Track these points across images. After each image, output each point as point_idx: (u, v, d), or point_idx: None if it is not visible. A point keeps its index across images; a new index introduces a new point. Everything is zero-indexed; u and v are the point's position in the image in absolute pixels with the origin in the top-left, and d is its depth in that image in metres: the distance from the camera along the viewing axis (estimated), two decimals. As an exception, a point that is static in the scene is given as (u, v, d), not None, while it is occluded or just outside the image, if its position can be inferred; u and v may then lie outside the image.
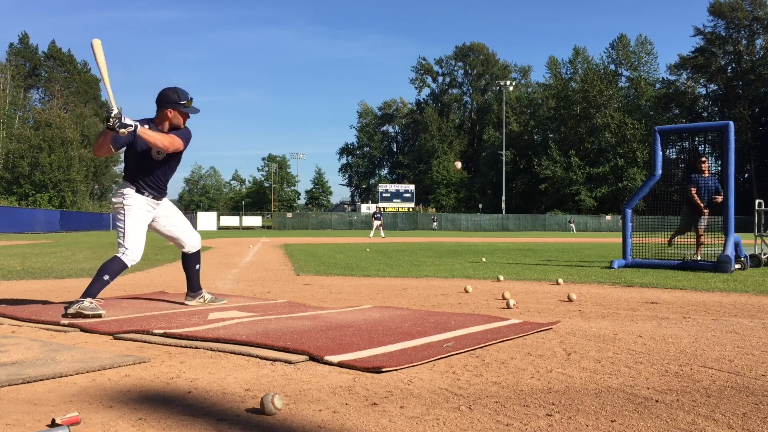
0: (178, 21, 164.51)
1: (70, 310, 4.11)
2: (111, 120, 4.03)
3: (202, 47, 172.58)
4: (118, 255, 4.39)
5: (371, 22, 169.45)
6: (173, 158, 4.58)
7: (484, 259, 11.49)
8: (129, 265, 4.41)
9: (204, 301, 4.89)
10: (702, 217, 9.78)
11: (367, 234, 34.89)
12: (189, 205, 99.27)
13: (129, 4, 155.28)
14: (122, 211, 4.44)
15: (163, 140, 4.33)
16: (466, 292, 6.07)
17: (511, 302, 4.95)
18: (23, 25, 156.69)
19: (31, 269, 8.75)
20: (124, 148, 4.50)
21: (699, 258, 9.45)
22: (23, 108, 68.33)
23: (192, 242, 4.84)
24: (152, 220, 4.64)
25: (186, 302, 4.88)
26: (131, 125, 4.12)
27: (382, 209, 34.13)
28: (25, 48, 73.26)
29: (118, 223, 4.48)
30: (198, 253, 4.92)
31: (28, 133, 60.17)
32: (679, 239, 10.21)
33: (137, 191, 4.48)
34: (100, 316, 4.09)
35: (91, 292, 4.25)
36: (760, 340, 3.51)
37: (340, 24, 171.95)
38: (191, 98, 4.58)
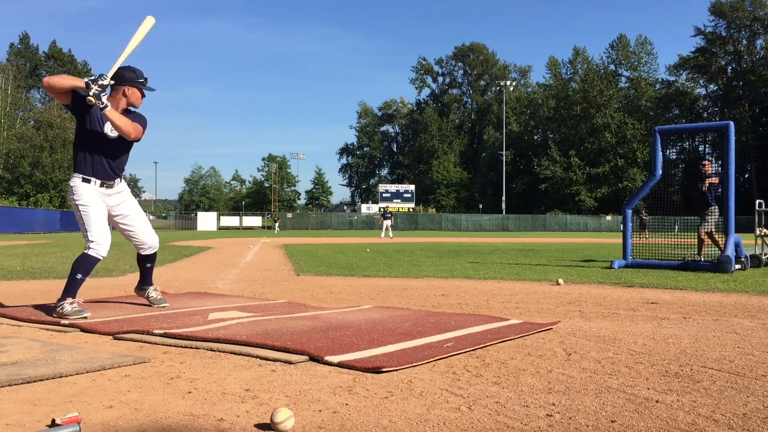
0: (105, 11, 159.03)
1: (53, 315, 4.11)
2: (93, 85, 4.03)
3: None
4: (85, 251, 4.32)
5: (371, 22, 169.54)
6: (126, 142, 4.46)
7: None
8: (99, 258, 4.34)
9: (146, 297, 4.78)
10: (709, 216, 9.73)
11: (370, 235, 34.81)
12: (189, 206, 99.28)
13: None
14: (76, 207, 4.37)
15: (128, 126, 4.27)
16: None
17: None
18: (23, 24, 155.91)
19: (31, 269, 8.74)
20: (69, 113, 4.37)
21: (701, 259, 9.45)
22: (24, 108, 68.33)
23: (149, 244, 4.72)
24: (109, 213, 4.50)
25: (135, 293, 4.87)
26: (104, 105, 4.10)
27: (387, 209, 34.02)
28: (25, 48, 73.26)
29: (78, 218, 4.40)
30: (154, 254, 4.82)
31: (30, 133, 60.18)
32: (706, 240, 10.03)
33: (83, 180, 4.36)
34: (85, 317, 4.07)
35: (69, 292, 4.22)
36: (760, 341, 3.51)
37: (340, 24, 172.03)
38: (146, 77, 4.51)
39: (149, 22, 4.49)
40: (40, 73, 74.34)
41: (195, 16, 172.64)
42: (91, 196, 4.37)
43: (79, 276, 4.29)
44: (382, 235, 30.82)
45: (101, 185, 4.41)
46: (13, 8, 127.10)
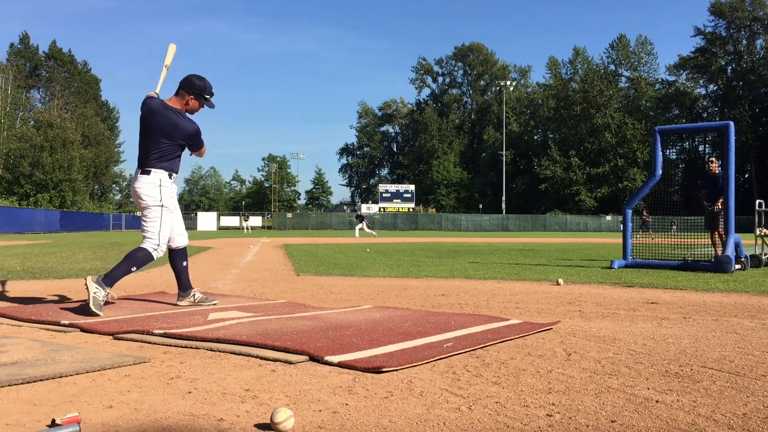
0: (110, 10, 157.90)
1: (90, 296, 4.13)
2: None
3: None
4: (151, 250, 4.39)
5: (371, 22, 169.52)
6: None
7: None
8: (154, 259, 4.46)
9: (194, 300, 4.78)
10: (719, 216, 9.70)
11: (362, 236, 35.11)
12: (189, 205, 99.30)
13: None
14: (161, 206, 4.42)
15: (205, 149, 4.64)
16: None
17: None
18: (23, 24, 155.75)
19: (31, 269, 8.74)
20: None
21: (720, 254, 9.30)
22: (24, 108, 68.33)
23: (185, 235, 4.79)
24: None
25: (178, 303, 4.79)
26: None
27: (359, 214, 36.44)
28: (25, 48, 73.25)
29: (150, 214, 4.42)
30: (185, 249, 4.84)
31: (30, 133, 60.18)
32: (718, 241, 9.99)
33: (170, 176, 4.47)
34: (98, 315, 4.09)
35: (114, 278, 4.26)
36: (760, 341, 3.51)
37: (340, 24, 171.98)
38: (213, 92, 4.65)
39: (172, 49, 4.75)
40: (40, 73, 74.39)
41: (195, 16, 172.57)
42: (172, 197, 4.51)
43: (133, 269, 4.37)
44: (357, 234, 32.23)
45: (173, 183, 4.59)
46: (13, 8, 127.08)
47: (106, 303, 4.32)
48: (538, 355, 3.08)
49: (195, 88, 4.51)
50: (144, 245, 4.43)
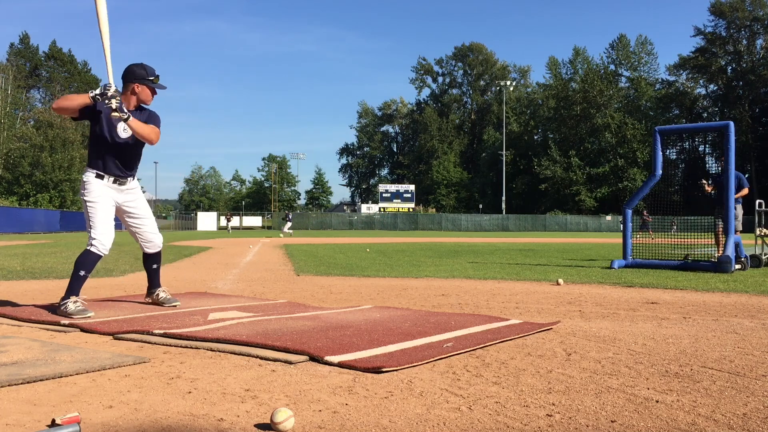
0: (110, 10, 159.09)
1: (57, 313, 4.12)
2: (111, 101, 4.03)
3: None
4: (88, 247, 4.32)
5: (371, 22, 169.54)
6: (139, 141, 4.48)
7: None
8: (101, 255, 4.35)
9: (157, 298, 4.76)
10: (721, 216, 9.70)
11: (370, 235, 35.60)
12: (189, 206, 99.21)
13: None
14: (85, 201, 4.38)
15: (150, 135, 4.33)
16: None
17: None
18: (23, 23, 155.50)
19: (31, 269, 8.74)
20: (80, 120, 4.40)
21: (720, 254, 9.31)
22: (24, 108, 68.35)
23: (154, 243, 4.74)
24: (119, 210, 4.53)
25: (146, 299, 4.83)
26: (126, 115, 4.12)
27: (288, 213, 38.42)
28: (25, 48, 73.25)
29: (84, 213, 4.41)
30: (159, 253, 4.82)
31: (30, 133, 60.19)
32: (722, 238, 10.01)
33: (97, 176, 4.38)
34: (88, 317, 4.07)
35: (73, 290, 4.22)
36: (760, 341, 3.51)
37: (340, 24, 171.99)
38: (158, 74, 4.51)
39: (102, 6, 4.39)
40: (40, 73, 74.37)
41: (195, 16, 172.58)
42: (100, 192, 4.39)
43: (81, 273, 4.29)
44: (281, 235, 33.81)
45: (114, 181, 4.44)
46: (13, 8, 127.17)
47: (80, 308, 4.19)
48: (538, 355, 3.08)
49: (136, 77, 4.40)
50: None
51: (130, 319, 4.07)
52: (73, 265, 4.39)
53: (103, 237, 4.33)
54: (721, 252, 9.62)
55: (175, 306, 4.70)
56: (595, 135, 77.08)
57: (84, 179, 4.43)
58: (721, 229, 9.66)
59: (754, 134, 72.78)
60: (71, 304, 4.15)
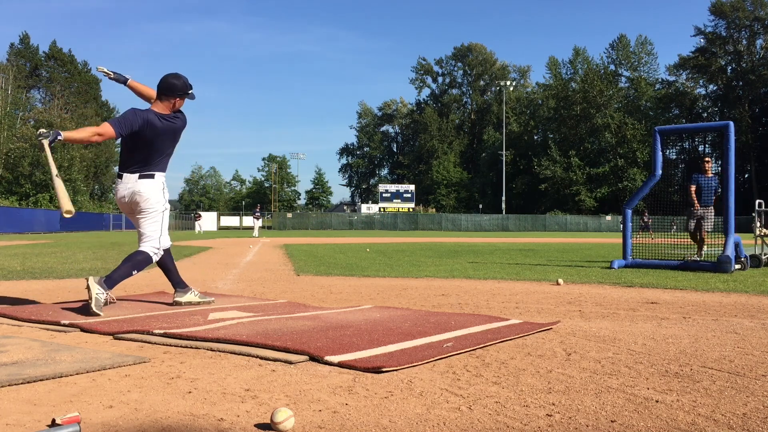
0: (110, 10, 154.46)
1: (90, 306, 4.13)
2: (42, 139, 4.08)
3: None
4: (151, 254, 4.44)
5: (371, 22, 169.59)
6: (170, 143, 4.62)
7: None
8: (154, 261, 4.50)
9: (194, 295, 4.83)
10: (706, 216, 9.81)
11: (370, 235, 35.22)
12: (189, 206, 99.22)
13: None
14: (162, 207, 4.49)
15: (90, 136, 4.31)
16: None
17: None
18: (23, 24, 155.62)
19: (31, 269, 8.74)
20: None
21: (699, 258, 9.47)
22: (24, 108, 68.34)
23: (168, 239, 4.81)
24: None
25: (178, 300, 4.79)
26: (54, 134, 4.10)
27: (257, 209, 36.73)
28: (25, 48, 73.24)
29: (151, 215, 4.48)
30: (168, 250, 4.87)
31: (30, 133, 60.17)
32: (706, 240, 10.09)
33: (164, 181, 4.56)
34: (99, 316, 4.10)
35: (114, 279, 4.29)
36: (760, 341, 3.51)
37: (340, 24, 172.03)
38: (191, 85, 4.70)
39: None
40: (40, 73, 74.35)
41: (195, 16, 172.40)
42: (167, 198, 4.56)
43: (134, 272, 4.41)
44: (255, 234, 33.10)
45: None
46: (13, 8, 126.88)
47: (106, 304, 4.34)
48: (538, 355, 3.08)
49: (178, 90, 4.56)
50: (144, 248, 4.46)
51: (130, 319, 4.07)
52: (124, 259, 4.44)
53: (163, 245, 4.51)
54: (700, 252, 9.72)
55: (210, 302, 4.83)
56: (595, 135, 77.06)
57: (161, 181, 4.52)
58: (693, 227, 9.84)
59: (754, 134, 72.76)
60: (102, 297, 4.18)
